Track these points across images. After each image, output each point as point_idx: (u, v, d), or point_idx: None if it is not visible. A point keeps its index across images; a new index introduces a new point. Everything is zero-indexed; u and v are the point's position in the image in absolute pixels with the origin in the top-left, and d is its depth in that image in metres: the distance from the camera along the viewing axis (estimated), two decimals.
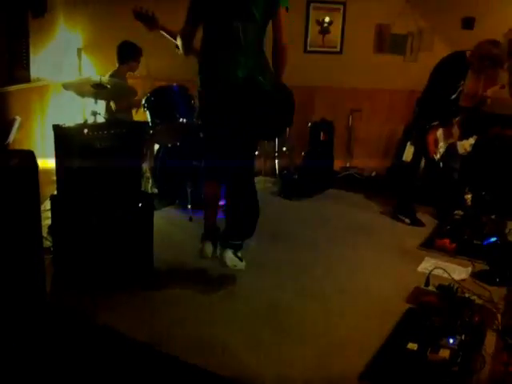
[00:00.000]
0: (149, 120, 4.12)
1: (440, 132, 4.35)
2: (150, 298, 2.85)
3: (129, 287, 2.89)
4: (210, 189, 3.10)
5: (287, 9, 2.83)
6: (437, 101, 4.22)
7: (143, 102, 4.11)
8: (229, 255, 2.97)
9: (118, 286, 2.84)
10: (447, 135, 4.36)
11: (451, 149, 4.47)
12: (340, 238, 3.94)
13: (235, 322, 2.66)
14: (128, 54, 4.65)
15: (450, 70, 4.19)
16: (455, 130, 4.41)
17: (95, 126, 2.89)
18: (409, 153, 5.26)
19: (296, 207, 4.75)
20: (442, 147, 4.39)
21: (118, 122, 3.28)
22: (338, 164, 5.82)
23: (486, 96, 4.32)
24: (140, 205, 2.94)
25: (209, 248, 3.06)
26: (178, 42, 2.89)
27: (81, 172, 2.76)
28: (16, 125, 1.93)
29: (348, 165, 6.02)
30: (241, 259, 3.03)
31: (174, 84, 4.11)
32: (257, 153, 3.47)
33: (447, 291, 2.92)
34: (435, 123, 4.27)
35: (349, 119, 5.92)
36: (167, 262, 3.27)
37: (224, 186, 3.18)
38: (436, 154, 4.37)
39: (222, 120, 2.87)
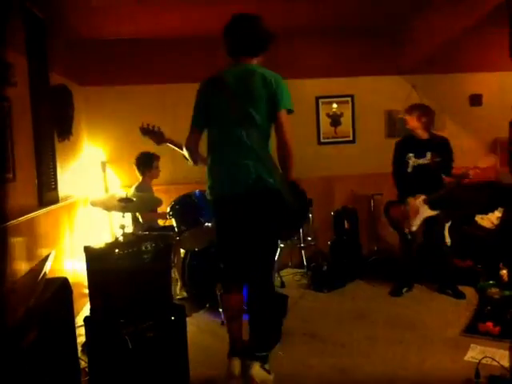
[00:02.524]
0: (175, 226, 4.20)
1: (409, 207, 4.46)
2: None
3: None
4: (231, 300, 3.01)
5: (289, 111, 2.81)
6: (395, 177, 4.62)
7: (168, 209, 4.21)
8: (256, 370, 2.83)
9: None
10: (414, 211, 4.45)
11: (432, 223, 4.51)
12: (379, 334, 3.77)
13: None
14: (145, 164, 4.87)
15: (395, 146, 4.65)
16: (419, 205, 4.44)
17: (125, 244, 2.94)
18: None
19: (329, 301, 4.64)
20: (416, 219, 4.43)
21: (146, 236, 3.34)
22: (365, 249, 5.78)
23: (467, 172, 4.29)
24: (173, 318, 2.91)
25: (237, 365, 2.92)
26: (184, 152, 2.97)
27: (113, 290, 2.78)
28: (51, 257, 2.01)
29: (376, 248, 5.97)
30: (269, 372, 2.89)
31: (197, 190, 4.23)
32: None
33: (499, 383, 2.76)
34: (394, 200, 4.61)
35: (371, 204, 5.95)
36: (203, 375, 3.16)
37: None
38: (409, 228, 4.46)
39: (236, 226, 2.88)
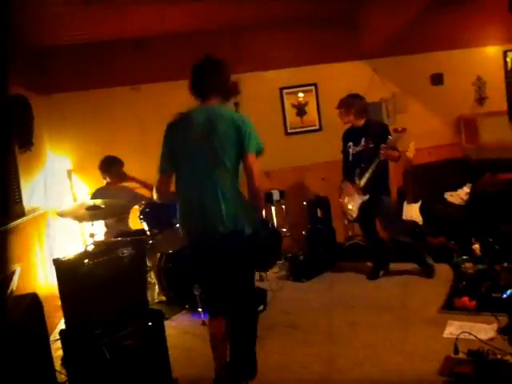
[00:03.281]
0: (147, 230, 4.15)
1: (346, 192, 4.66)
2: None
3: None
4: (214, 327, 2.93)
5: (258, 153, 2.77)
6: (342, 167, 4.74)
7: (138, 214, 4.16)
8: None
9: None
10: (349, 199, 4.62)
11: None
12: (359, 319, 3.80)
13: None
14: (103, 168, 4.90)
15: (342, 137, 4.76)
16: (352, 192, 4.58)
17: (95, 253, 2.88)
18: (408, 211, 5.31)
19: (308, 290, 4.65)
20: (352, 207, 4.57)
21: (117, 242, 3.27)
22: (340, 235, 5.81)
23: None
24: (150, 324, 2.87)
25: None
26: (154, 194, 2.92)
27: (87, 301, 2.73)
28: (16, 275, 1.95)
29: (351, 234, 6.00)
30: None
31: None
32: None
33: (478, 357, 2.80)
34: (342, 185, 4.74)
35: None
36: (187, 377, 3.13)
37: None
38: (350, 215, 4.62)
39: (211, 266, 2.84)
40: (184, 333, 3.89)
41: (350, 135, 4.63)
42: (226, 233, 2.70)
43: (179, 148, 2.79)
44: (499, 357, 2.82)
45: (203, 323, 3.95)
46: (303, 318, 3.94)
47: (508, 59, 6.47)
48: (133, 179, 4.81)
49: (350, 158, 4.60)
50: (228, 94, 2.88)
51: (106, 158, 4.93)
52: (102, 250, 3.02)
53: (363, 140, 4.48)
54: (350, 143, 4.59)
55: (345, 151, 4.68)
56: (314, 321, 3.87)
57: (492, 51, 6.37)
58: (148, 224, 4.09)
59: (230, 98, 2.94)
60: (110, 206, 3.88)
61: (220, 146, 2.70)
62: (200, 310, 4.01)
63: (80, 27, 4.84)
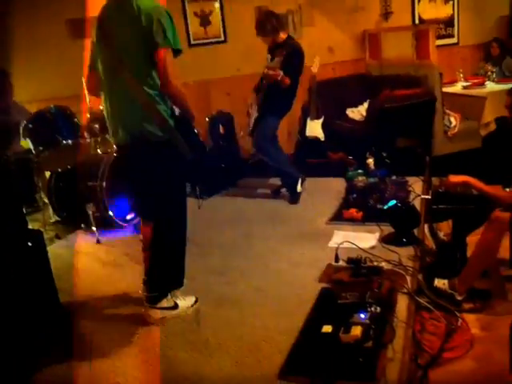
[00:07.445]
0: (32, 148, 3.88)
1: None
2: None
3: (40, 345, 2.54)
4: (145, 230, 2.85)
5: (176, 51, 2.45)
6: None
7: (21, 130, 3.86)
8: (148, 311, 2.74)
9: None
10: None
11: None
12: (255, 231, 3.88)
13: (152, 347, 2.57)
14: None
15: None
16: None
17: None
18: (311, 128, 5.36)
19: (209, 206, 4.62)
20: (252, 119, 4.59)
21: None
22: (246, 152, 5.79)
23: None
24: (30, 244, 2.74)
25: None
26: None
27: None
28: None
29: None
30: (173, 307, 2.77)
31: (51, 106, 3.89)
32: None
33: (355, 263, 2.97)
34: None
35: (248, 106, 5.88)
36: (78, 298, 3.07)
37: None
38: (250, 126, 4.64)
39: (129, 173, 2.82)
40: (76, 252, 3.78)
41: (270, 48, 4.42)
42: (134, 140, 2.56)
43: (94, 47, 2.61)
44: (375, 263, 3.01)
45: (98, 241, 3.89)
46: (199, 234, 3.92)
47: None
48: None
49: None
50: None
51: None
52: None
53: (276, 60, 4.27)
54: (269, 56, 4.38)
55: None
56: (211, 236, 3.91)
57: None
58: (32, 142, 3.80)
59: None
60: None
61: (123, 45, 2.43)
62: (94, 228, 3.91)
63: None
